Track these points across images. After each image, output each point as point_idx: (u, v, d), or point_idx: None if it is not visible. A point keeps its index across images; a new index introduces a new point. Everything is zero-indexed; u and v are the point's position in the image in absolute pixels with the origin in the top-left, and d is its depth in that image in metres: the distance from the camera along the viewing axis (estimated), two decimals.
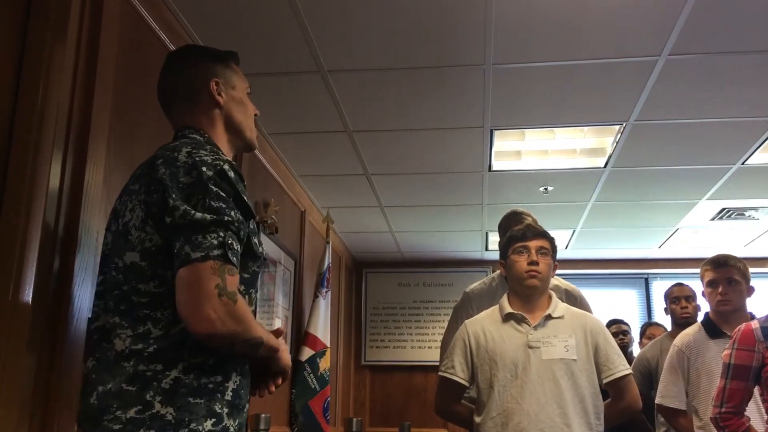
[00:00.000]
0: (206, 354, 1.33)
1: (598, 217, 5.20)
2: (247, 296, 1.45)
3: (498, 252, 2.60)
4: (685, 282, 3.84)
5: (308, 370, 4.29)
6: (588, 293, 3.12)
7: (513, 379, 2.24)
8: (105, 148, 2.07)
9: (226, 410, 1.34)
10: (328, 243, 4.74)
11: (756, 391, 2.42)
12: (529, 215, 3.03)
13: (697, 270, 3.04)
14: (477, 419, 2.29)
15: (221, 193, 1.34)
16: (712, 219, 5.20)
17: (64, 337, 1.82)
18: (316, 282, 4.63)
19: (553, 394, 2.20)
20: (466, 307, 3.01)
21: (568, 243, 5.88)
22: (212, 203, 1.32)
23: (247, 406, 1.42)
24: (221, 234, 1.30)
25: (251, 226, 1.44)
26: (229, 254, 1.30)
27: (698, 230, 5.50)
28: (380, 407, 6.43)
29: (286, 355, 1.50)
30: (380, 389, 6.47)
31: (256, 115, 1.72)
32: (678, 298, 3.71)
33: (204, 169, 1.35)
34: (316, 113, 3.44)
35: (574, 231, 5.56)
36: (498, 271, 2.94)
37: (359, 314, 6.55)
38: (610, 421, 2.31)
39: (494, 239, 5.59)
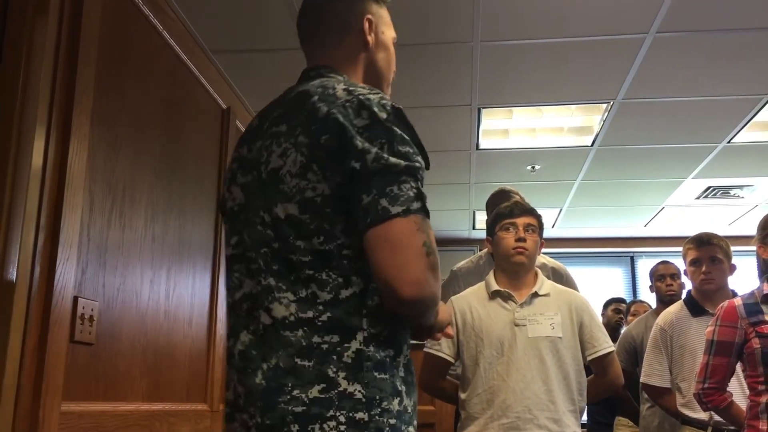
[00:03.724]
0: (383, 324, 1.15)
1: (585, 196, 5.22)
2: None
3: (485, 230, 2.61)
4: (671, 260, 3.87)
5: None
6: (574, 271, 3.14)
7: (499, 356, 2.25)
8: (88, 126, 2.04)
9: (403, 388, 1.15)
10: None
11: (738, 367, 2.45)
12: (517, 193, 3.04)
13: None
14: (462, 396, 2.31)
15: (405, 137, 1.16)
16: (698, 197, 5.23)
17: (48, 315, 1.82)
18: None
19: (539, 371, 2.22)
20: (454, 284, 3.02)
21: (555, 221, 5.91)
22: (400, 148, 1.14)
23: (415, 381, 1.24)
24: (413, 184, 1.15)
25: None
26: (427, 207, 1.16)
27: (684, 209, 5.54)
28: None
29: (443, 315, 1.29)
30: None
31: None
32: (663, 276, 3.74)
33: (376, 109, 1.15)
34: None
35: (561, 209, 5.59)
36: (485, 249, 2.95)
37: None
38: (592, 397, 2.34)
39: (482, 218, 5.60)
